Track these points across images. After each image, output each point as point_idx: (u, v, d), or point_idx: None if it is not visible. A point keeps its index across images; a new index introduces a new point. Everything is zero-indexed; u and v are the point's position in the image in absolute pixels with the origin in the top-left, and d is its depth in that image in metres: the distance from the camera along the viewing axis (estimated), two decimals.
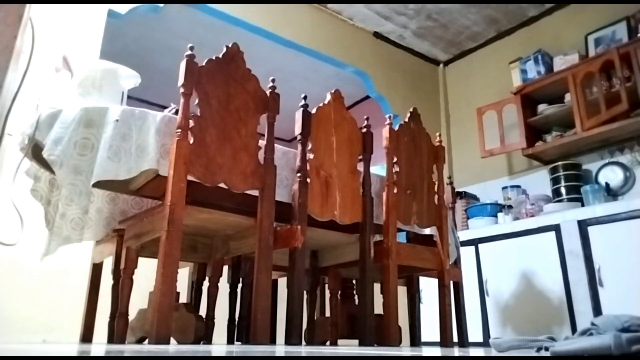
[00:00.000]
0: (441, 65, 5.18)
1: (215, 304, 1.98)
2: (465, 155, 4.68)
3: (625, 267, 2.90)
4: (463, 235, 3.64)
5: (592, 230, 3.10)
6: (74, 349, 1.25)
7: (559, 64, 3.89)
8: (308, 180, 1.96)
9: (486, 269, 3.57)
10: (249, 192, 1.82)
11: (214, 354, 1.07)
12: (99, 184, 1.74)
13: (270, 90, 1.96)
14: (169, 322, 1.52)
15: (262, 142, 1.89)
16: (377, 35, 4.72)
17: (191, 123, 1.69)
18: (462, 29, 4.61)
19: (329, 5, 4.35)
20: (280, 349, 1.50)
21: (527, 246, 3.39)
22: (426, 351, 1.86)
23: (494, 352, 1.58)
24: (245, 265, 2.25)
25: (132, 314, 1.92)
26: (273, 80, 1.98)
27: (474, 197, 4.26)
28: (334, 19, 4.44)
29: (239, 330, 2.23)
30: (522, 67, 4.10)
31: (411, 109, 2.50)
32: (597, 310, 2.94)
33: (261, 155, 1.87)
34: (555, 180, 3.72)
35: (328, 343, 2.37)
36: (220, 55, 1.83)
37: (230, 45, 1.87)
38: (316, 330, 2.44)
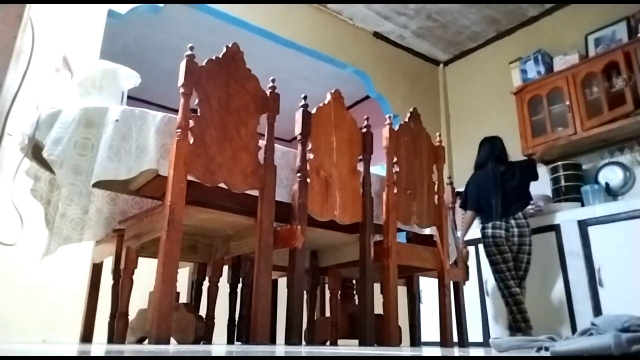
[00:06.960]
0: (441, 65, 5.18)
1: (215, 304, 1.98)
2: (465, 155, 4.68)
3: (625, 267, 2.90)
4: None
5: (592, 230, 3.10)
6: (74, 349, 1.26)
7: (559, 64, 3.89)
8: (308, 180, 1.96)
9: (486, 269, 3.56)
10: (249, 192, 1.82)
11: (214, 354, 1.07)
12: (99, 184, 1.74)
13: (270, 90, 1.96)
14: (169, 322, 1.52)
15: (262, 142, 1.89)
16: (377, 35, 4.71)
17: (191, 123, 1.69)
18: (462, 29, 4.61)
19: (329, 5, 4.35)
20: (280, 349, 1.50)
21: None
22: (426, 351, 1.86)
23: (494, 352, 1.58)
24: (245, 265, 2.25)
25: (132, 314, 1.92)
26: (273, 80, 1.98)
27: None
28: (334, 19, 4.44)
29: (239, 330, 2.23)
30: (522, 67, 4.10)
31: (411, 109, 2.50)
32: (597, 310, 2.94)
33: (261, 155, 1.86)
34: (555, 180, 3.72)
35: (328, 343, 2.37)
36: (220, 55, 1.83)
37: (230, 45, 1.87)
38: (316, 330, 2.44)
